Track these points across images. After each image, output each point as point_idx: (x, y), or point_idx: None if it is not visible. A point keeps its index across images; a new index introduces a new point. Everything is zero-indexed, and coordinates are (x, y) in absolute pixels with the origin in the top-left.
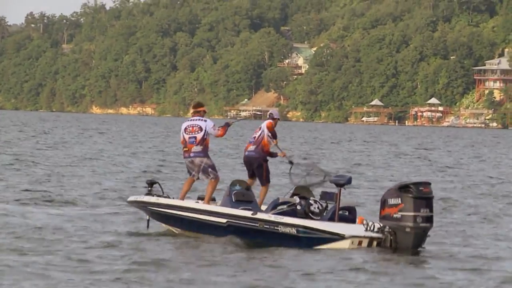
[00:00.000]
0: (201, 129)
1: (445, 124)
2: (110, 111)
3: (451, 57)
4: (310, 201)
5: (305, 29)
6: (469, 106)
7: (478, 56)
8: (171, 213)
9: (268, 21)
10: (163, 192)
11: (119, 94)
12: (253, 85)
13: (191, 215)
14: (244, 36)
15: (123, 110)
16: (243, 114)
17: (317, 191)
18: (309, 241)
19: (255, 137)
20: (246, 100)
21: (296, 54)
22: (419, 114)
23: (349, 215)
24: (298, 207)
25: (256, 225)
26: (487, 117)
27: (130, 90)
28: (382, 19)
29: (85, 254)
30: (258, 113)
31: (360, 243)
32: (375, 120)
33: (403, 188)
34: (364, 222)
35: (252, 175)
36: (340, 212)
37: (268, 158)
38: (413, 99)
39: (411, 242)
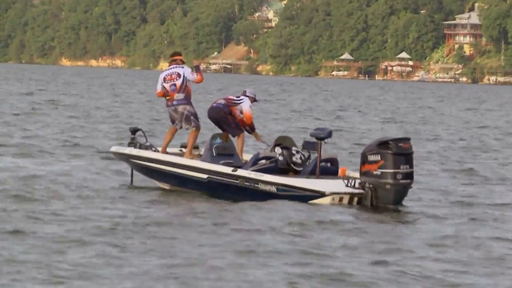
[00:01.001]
0: (179, 75)
1: (415, 78)
2: (80, 63)
3: (421, 11)
4: (293, 151)
5: None
6: (439, 60)
7: (448, 10)
8: (152, 166)
9: None
10: (146, 140)
11: (88, 46)
12: (223, 38)
13: (173, 169)
14: None
15: (93, 62)
16: (213, 67)
17: (299, 141)
18: (289, 198)
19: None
20: (216, 53)
21: (266, 7)
22: (389, 68)
23: (331, 167)
24: (280, 158)
25: (237, 181)
26: (457, 72)
27: (100, 42)
28: None
29: (65, 210)
30: (228, 66)
31: (341, 199)
32: (345, 74)
33: (383, 145)
34: (346, 174)
35: (223, 129)
36: (322, 163)
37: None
38: (383, 53)
39: (392, 199)
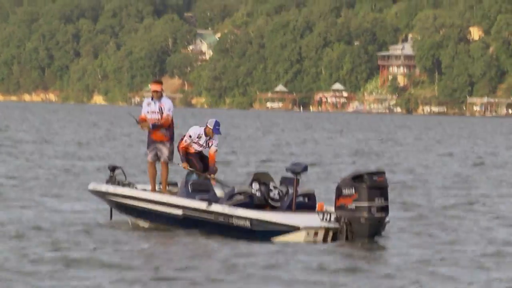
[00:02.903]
0: None
1: (350, 109)
2: (13, 98)
3: (355, 43)
4: (270, 187)
5: (208, 15)
6: (373, 91)
7: (381, 41)
8: (128, 204)
9: (172, 7)
10: (125, 178)
11: (22, 81)
12: (157, 71)
13: (147, 206)
14: (147, 23)
15: (26, 97)
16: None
17: (277, 177)
18: (263, 234)
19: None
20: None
21: (200, 40)
22: (324, 100)
23: (308, 202)
24: (258, 194)
25: (211, 217)
26: (391, 103)
27: (33, 77)
28: (286, 5)
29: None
30: None
31: (316, 234)
32: (280, 106)
33: (357, 178)
34: (324, 209)
35: None
36: (300, 199)
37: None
38: (318, 84)
39: (367, 232)
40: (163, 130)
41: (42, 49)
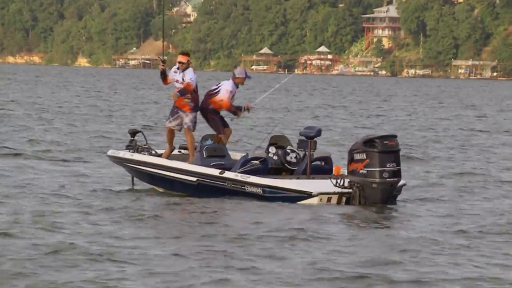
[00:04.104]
0: None
1: (335, 72)
2: None
3: (340, 5)
4: (287, 150)
5: None
6: (358, 54)
7: (366, 3)
8: (144, 170)
9: None
10: (146, 142)
11: (5, 43)
12: (142, 33)
13: (163, 172)
14: None
15: (10, 59)
16: (132, 63)
17: (293, 140)
18: (276, 200)
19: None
20: (134, 48)
21: (185, 2)
22: (309, 62)
23: (325, 165)
24: (275, 158)
25: (225, 184)
26: (376, 65)
27: (17, 38)
28: None
29: (62, 213)
30: (147, 61)
31: (329, 199)
32: (265, 68)
33: (368, 143)
34: (341, 172)
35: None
36: (317, 162)
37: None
38: (303, 47)
39: (379, 197)
40: (188, 100)
41: (26, 11)
